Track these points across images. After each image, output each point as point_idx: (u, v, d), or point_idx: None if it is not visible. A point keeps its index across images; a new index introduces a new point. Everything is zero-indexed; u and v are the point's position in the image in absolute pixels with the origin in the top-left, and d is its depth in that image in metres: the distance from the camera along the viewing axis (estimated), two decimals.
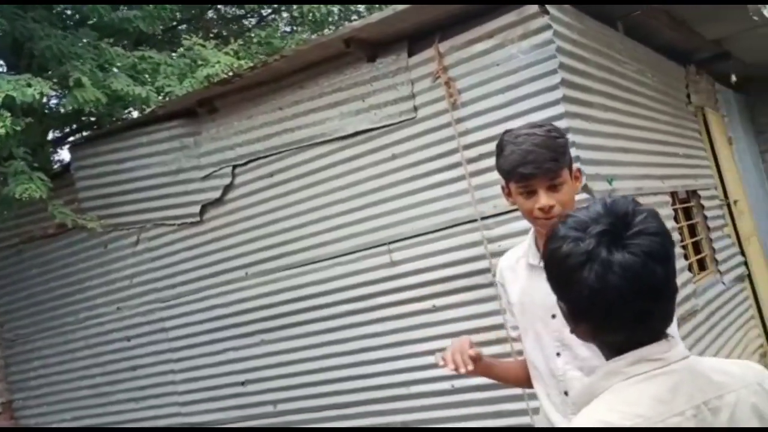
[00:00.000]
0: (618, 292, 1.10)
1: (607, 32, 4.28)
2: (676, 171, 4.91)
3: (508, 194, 1.98)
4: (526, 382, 2.15)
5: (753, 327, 5.54)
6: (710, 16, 5.19)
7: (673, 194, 4.92)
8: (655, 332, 1.15)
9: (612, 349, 1.17)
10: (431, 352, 4.19)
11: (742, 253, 5.80)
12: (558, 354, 1.97)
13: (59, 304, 5.84)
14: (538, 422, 2.19)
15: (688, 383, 1.12)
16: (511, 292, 2.10)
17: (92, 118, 7.81)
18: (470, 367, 1.90)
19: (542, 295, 1.98)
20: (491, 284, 3.93)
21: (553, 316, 1.95)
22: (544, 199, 1.85)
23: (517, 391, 3.87)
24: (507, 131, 1.95)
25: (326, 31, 9.73)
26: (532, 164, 1.83)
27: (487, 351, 3.96)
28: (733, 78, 6.38)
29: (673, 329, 1.36)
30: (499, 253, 3.88)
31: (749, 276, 5.79)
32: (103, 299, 5.62)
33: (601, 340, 1.19)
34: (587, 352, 1.91)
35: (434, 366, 4.12)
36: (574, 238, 1.14)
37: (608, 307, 1.12)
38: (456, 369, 1.91)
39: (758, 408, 1.14)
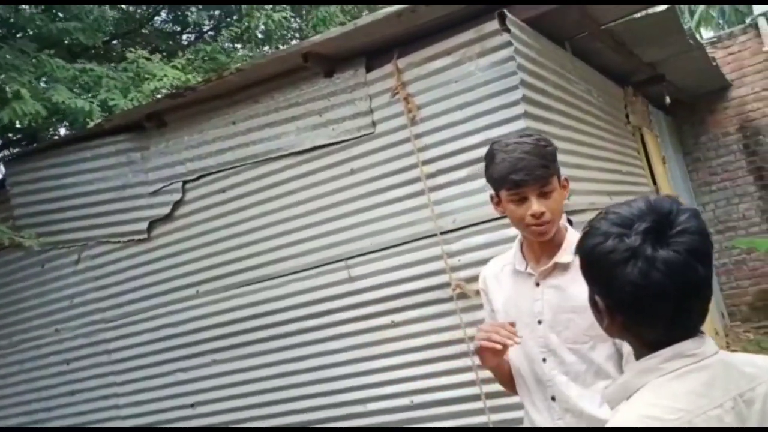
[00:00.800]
0: (660, 288, 1.12)
1: (559, 52, 4.41)
2: (620, 187, 5.07)
3: (497, 203, 2.00)
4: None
5: None
6: (649, 39, 5.41)
7: None
8: (691, 329, 1.17)
9: (646, 345, 1.19)
10: (389, 369, 4.18)
11: None
12: (544, 360, 1.99)
13: None
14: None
15: (722, 377, 1.15)
16: (495, 299, 2.12)
17: (19, 136, 7.53)
18: (518, 340, 1.88)
19: (528, 301, 2.02)
20: (451, 299, 3.95)
21: (539, 322, 1.99)
22: (536, 205, 1.88)
23: (478, 404, 3.90)
24: (495, 141, 1.99)
25: (266, 48, 9.72)
26: (524, 171, 1.86)
27: (447, 365, 4.00)
28: (668, 100, 6.66)
29: None
30: (458, 268, 3.93)
31: None
32: (40, 321, 5.36)
33: (637, 335, 1.21)
34: (572, 357, 1.95)
35: (393, 382, 4.12)
36: (618, 234, 1.16)
37: (649, 303, 1.14)
38: (504, 342, 1.87)
39: None
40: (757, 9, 8.10)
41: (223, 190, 4.59)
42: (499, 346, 1.88)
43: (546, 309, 1.97)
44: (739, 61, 8.05)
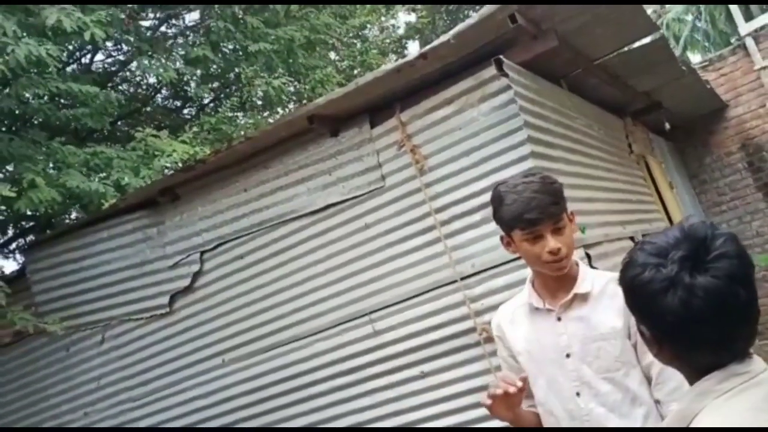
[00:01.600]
0: (702, 315, 1.13)
1: (557, 90, 4.50)
2: (632, 216, 5.11)
3: (507, 244, 2.02)
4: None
5: None
6: (642, 69, 5.52)
7: (632, 239, 5.09)
8: (740, 352, 1.18)
9: (697, 371, 1.20)
10: (423, 420, 4.15)
11: None
12: (578, 394, 1.97)
13: (21, 415, 5.53)
14: None
15: None
16: (514, 342, 2.11)
17: (32, 223, 7.65)
18: (519, 384, 1.89)
19: (551, 336, 2.01)
20: (478, 344, 3.95)
21: (568, 356, 1.97)
22: (552, 242, 1.90)
23: None
24: (500, 183, 2.02)
25: (267, 113, 9.91)
26: (537, 210, 1.89)
27: (480, 412, 3.97)
28: (667, 126, 6.75)
29: None
30: (482, 312, 3.93)
31: None
32: (69, 405, 5.36)
33: (686, 362, 1.22)
34: (607, 386, 1.93)
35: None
36: (655, 264, 1.17)
37: (693, 330, 1.15)
38: (507, 390, 1.88)
39: None
40: (743, 29, 8.25)
41: (241, 257, 4.64)
42: (500, 391, 1.89)
43: (573, 341, 1.97)
44: (732, 81, 8.17)
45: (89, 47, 7.70)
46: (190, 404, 4.84)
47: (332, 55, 11.92)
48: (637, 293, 1.21)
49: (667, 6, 16.27)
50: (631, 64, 5.21)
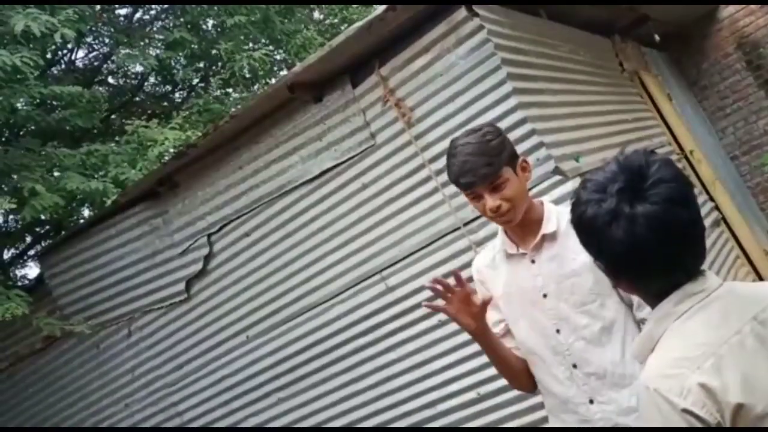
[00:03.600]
0: (647, 242, 1.16)
1: (534, 21, 4.43)
2: (631, 136, 5.07)
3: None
4: (520, 373, 2.17)
5: (741, 266, 5.69)
6: None
7: None
8: (692, 271, 1.21)
9: (655, 296, 1.23)
10: (449, 367, 4.22)
11: (711, 199, 5.98)
12: (558, 330, 2.04)
13: (63, 417, 5.70)
14: (548, 409, 2.21)
15: (734, 305, 1.19)
16: (493, 286, 2.17)
17: (47, 227, 7.75)
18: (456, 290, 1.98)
19: (528, 279, 2.07)
20: None
21: (545, 296, 2.04)
22: (489, 201, 1.96)
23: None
24: (451, 140, 2.08)
25: (257, 86, 9.85)
26: (470, 173, 1.94)
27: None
28: (657, 38, 6.61)
29: None
30: None
31: (723, 219, 5.97)
32: (108, 400, 5.50)
33: (643, 289, 1.26)
34: (585, 318, 1.99)
35: (457, 378, 4.17)
36: (597, 200, 1.20)
37: (642, 257, 1.18)
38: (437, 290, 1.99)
39: None
40: None
41: (247, 234, 4.69)
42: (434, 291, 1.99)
43: (548, 281, 2.03)
44: None
45: (69, 46, 7.66)
46: (221, 383, 4.96)
47: (316, 14, 11.77)
48: (586, 230, 1.24)
49: None
50: None
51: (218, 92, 8.73)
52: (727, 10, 8.02)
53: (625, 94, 5.57)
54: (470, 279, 2.24)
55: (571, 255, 1.98)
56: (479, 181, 1.93)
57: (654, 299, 1.23)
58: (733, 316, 1.17)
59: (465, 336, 4.11)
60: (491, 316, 2.19)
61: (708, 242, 5.31)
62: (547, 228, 2.03)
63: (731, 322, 1.16)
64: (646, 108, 6.00)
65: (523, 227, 2.05)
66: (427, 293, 4.12)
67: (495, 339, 2.13)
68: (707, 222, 5.59)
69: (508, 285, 2.12)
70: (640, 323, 1.97)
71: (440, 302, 2.05)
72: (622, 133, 4.92)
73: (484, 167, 1.93)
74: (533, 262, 2.06)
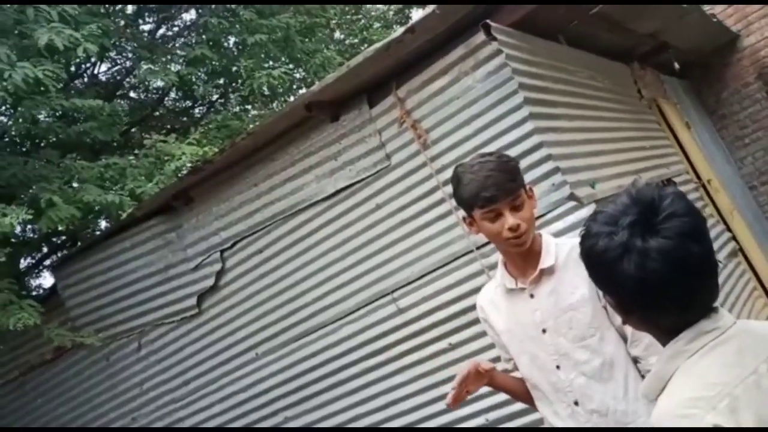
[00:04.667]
0: (660, 277, 1.13)
1: (553, 47, 4.43)
2: (648, 163, 5.04)
3: (470, 224, 2.04)
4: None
5: (758, 297, 5.61)
6: (641, 13, 5.39)
7: None
8: (705, 308, 1.18)
9: (667, 332, 1.20)
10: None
11: (729, 229, 5.91)
12: (558, 367, 2.01)
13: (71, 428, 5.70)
14: None
15: (748, 344, 1.15)
16: (495, 322, 2.16)
17: (63, 238, 7.80)
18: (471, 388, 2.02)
19: (527, 314, 2.04)
20: None
21: (544, 331, 2.01)
22: (510, 219, 1.92)
23: None
24: (458, 165, 2.04)
25: (275, 103, 9.92)
26: (494, 187, 1.91)
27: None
28: (676, 66, 6.59)
29: None
30: None
31: (741, 250, 5.90)
32: (116, 413, 5.50)
33: (654, 325, 1.22)
34: (585, 354, 1.96)
35: (465, 404, 4.10)
36: (608, 233, 1.18)
37: (654, 293, 1.15)
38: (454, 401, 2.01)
39: None
40: None
41: (260, 251, 4.69)
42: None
43: (547, 316, 2.00)
44: (741, 11, 7.93)
45: (92, 60, 7.76)
46: (229, 400, 4.94)
47: (337, 34, 11.87)
48: (595, 263, 1.21)
49: None
50: (630, 8, 5.09)
51: (237, 109, 8.80)
52: (748, 40, 7.99)
53: (643, 122, 5.55)
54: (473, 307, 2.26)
55: (569, 289, 1.95)
56: (503, 195, 1.90)
57: (665, 336, 1.20)
58: (749, 355, 1.13)
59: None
60: (501, 352, 2.18)
61: (725, 273, 5.26)
62: (545, 262, 2.00)
63: (746, 361, 1.13)
64: (664, 136, 5.96)
65: (525, 258, 2.02)
66: (438, 315, 4.13)
67: (503, 380, 2.15)
68: (724, 252, 5.53)
69: (508, 321, 2.09)
70: (635, 361, 1.94)
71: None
72: (639, 161, 4.89)
73: (508, 183, 1.92)
74: (532, 296, 2.03)
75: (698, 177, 6.08)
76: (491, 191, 1.90)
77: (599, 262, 1.19)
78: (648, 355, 1.87)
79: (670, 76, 7.26)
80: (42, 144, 6.75)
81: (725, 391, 1.10)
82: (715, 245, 5.46)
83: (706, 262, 1.17)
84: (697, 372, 1.14)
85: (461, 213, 3.90)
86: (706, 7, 6.96)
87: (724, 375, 1.11)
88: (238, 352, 4.88)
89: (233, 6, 7.05)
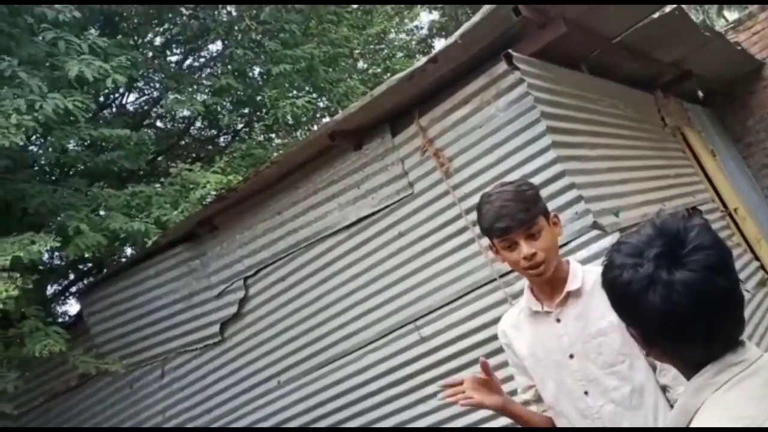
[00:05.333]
0: (685, 310, 1.12)
1: (575, 75, 4.44)
2: (673, 191, 5.00)
3: (496, 252, 2.05)
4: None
5: None
6: (664, 41, 5.39)
7: None
8: (730, 341, 1.16)
9: (691, 365, 1.18)
10: (484, 420, 4.12)
11: (756, 258, 5.83)
12: (586, 393, 1.97)
13: None
14: None
15: None
16: (519, 347, 2.13)
17: (89, 265, 7.90)
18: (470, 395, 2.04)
19: (553, 339, 2.02)
20: None
21: (571, 356, 1.98)
22: (525, 248, 1.93)
23: None
24: (483, 194, 2.05)
25: (299, 132, 10.02)
26: (507, 218, 1.92)
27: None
28: (700, 94, 6.57)
29: None
30: None
31: None
32: None
33: (678, 357, 1.21)
34: (614, 380, 1.93)
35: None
36: (633, 265, 1.16)
37: (679, 326, 1.14)
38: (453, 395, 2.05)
39: None
40: None
41: (282, 279, 4.71)
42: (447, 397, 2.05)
43: (575, 341, 1.98)
44: (765, 39, 7.91)
45: (121, 91, 7.93)
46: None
47: (360, 63, 11.99)
48: (619, 295, 1.20)
49: None
50: (652, 37, 5.10)
51: (261, 137, 8.91)
52: None
53: (667, 149, 5.52)
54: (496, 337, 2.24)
55: (598, 314, 1.93)
56: (517, 225, 1.92)
57: (690, 369, 1.18)
58: None
59: None
60: (520, 381, 2.15)
61: (753, 303, 5.16)
62: (572, 285, 1.99)
63: None
64: (689, 164, 5.92)
65: (550, 284, 2.01)
66: (461, 344, 4.10)
67: (519, 410, 2.10)
68: (752, 282, 5.44)
69: (533, 345, 2.07)
70: (664, 390, 1.91)
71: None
72: (663, 189, 4.85)
73: (521, 212, 1.92)
74: (558, 320, 2.01)
75: (724, 205, 6.02)
76: (505, 222, 1.92)
77: (623, 293, 1.18)
78: (677, 384, 1.84)
79: (693, 103, 7.23)
80: (70, 172, 6.88)
81: (755, 423, 1.08)
82: (743, 275, 5.39)
83: (732, 296, 1.16)
84: (725, 405, 1.12)
85: (485, 241, 3.93)
86: (730, 35, 6.95)
87: (752, 408, 1.09)
88: (261, 380, 4.87)
89: (258, 37, 7.18)
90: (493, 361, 3.98)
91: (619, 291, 1.19)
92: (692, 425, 1.15)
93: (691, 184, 5.59)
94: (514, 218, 1.91)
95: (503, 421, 3.90)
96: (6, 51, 5.24)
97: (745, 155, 8.26)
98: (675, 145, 5.83)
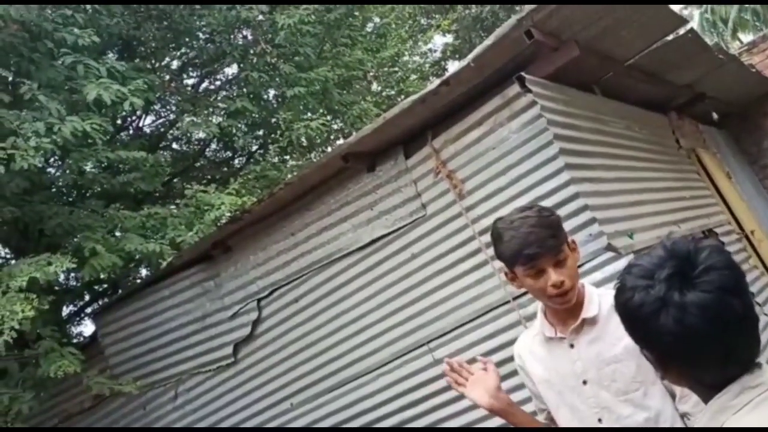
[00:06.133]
0: (699, 331, 1.10)
1: (588, 98, 4.45)
2: (689, 213, 4.97)
3: (512, 279, 1.97)
4: None
5: None
6: (678, 64, 5.40)
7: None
8: (746, 362, 1.15)
9: (708, 388, 1.17)
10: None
11: None
12: (600, 420, 1.93)
13: None
14: None
15: None
16: (533, 371, 2.09)
17: (105, 286, 7.95)
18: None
19: (567, 364, 1.98)
20: None
21: (585, 382, 1.94)
22: (554, 276, 1.86)
23: None
24: (497, 219, 1.98)
25: (313, 154, 10.08)
26: (535, 244, 1.84)
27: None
28: (715, 115, 6.55)
29: None
30: None
31: None
32: None
33: (694, 380, 1.19)
34: (629, 408, 1.89)
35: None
36: (644, 287, 1.15)
37: (693, 348, 1.12)
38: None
39: None
40: None
41: (296, 300, 4.72)
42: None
43: (588, 367, 1.94)
44: None
45: (138, 114, 8.03)
46: None
47: (374, 86, 12.08)
48: (632, 317, 1.19)
49: None
50: (665, 59, 5.10)
51: (276, 159, 8.96)
52: None
53: (682, 171, 5.50)
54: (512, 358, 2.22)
55: (612, 340, 1.88)
56: (546, 252, 1.84)
57: (706, 391, 1.17)
58: None
59: None
60: (538, 404, 2.12)
61: None
62: (588, 312, 1.94)
63: None
64: (704, 186, 5.89)
65: (567, 309, 1.96)
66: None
67: (522, 419, 2.07)
68: None
69: (547, 371, 2.03)
70: (683, 417, 1.87)
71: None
72: (678, 211, 4.82)
73: (549, 238, 1.85)
74: (572, 346, 1.97)
75: (741, 228, 5.97)
76: (533, 249, 1.83)
77: (635, 316, 1.17)
78: (697, 412, 1.80)
79: (708, 125, 7.21)
80: (87, 194, 6.95)
81: None
82: (761, 298, 5.32)
83: (746, 317, 1.14)
84: (746, 428, 1.10)
85: (498, 264, 3.92)
86: (744, 58, 6.94)
87: None
88: (273, 402, 4.86)
89: (273, 60, 7.26)
90: (507, 384, 3.97)
91: (632, 313, 1.18)
92: None
93: (706, 206, 5.56)
94: (542, 245, 1.84)
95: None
96: (26, 75, 5.33)
97: (761, 177, 8.21)
98: (690, 167, 5.80)
